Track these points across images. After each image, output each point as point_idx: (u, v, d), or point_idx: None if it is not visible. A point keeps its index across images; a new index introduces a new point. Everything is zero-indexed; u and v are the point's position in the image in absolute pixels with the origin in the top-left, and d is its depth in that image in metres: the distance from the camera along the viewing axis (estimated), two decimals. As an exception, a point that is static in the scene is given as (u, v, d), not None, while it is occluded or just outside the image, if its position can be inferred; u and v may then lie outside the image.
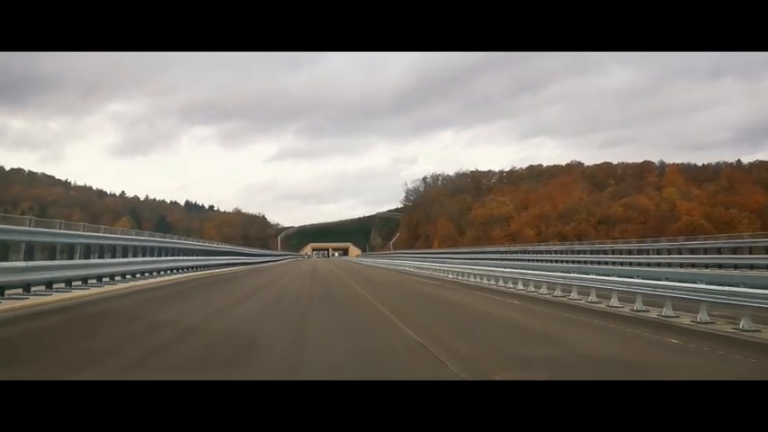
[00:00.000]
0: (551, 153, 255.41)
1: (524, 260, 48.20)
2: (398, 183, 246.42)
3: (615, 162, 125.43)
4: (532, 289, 19.71)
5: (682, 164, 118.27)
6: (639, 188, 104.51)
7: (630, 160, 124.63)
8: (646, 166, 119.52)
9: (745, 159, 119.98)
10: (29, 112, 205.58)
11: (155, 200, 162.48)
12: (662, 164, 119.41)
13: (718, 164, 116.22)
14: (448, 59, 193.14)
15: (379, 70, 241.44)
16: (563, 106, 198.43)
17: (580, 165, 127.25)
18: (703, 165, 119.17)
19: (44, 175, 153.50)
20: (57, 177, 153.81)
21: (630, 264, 34.94)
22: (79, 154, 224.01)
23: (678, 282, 12.96)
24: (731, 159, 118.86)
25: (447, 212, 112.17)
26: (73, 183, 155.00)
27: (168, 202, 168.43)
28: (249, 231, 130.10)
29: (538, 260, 47.79)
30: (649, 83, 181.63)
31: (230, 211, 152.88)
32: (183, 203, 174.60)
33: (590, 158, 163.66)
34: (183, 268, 30.73)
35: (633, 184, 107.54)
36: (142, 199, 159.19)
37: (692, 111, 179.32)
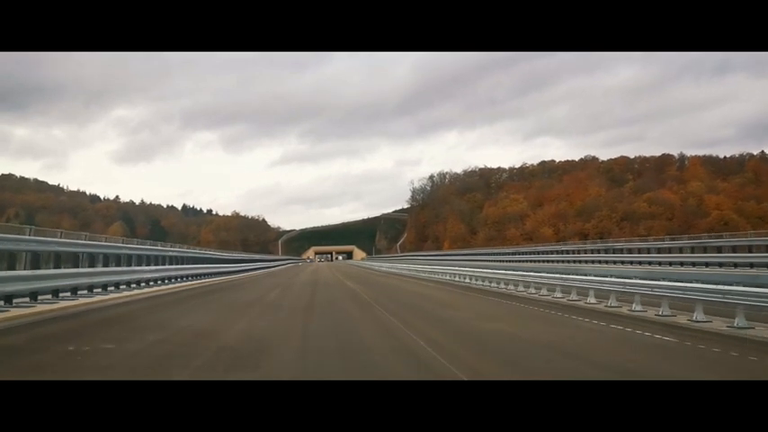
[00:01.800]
0: (557, 152, 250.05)
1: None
2: (402, 185, 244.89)
3: (632, 156, 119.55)
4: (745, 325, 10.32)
5: (704, 156, 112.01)
6: (661, 182, 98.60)
7: (648, 154, 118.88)
8: (665, 159, 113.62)
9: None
10: (32, 121, 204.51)
11: (151, 204, 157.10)
12: (682, 156, 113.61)
13: (741, 156, 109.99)
14: (452, 59, 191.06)
15: (382, 72, 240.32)
16: (568, 105, 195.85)
17: (595, 159, 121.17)
18: (725, 157, 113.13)
19: (36, 181, 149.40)
20: (50, 183, 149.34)
21: None
22: (83, 161, 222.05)
23: None
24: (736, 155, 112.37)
25: (457, 212, 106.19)
26: (66, 188, 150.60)
27: (165, 206, 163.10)
28: (248, 235, 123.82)
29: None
30: (656, 80, 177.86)
31: (229, 214, 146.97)
32: (180, 208, 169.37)
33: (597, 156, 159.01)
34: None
35: (654, 178, 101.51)
36: (137, 203, 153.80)
37: (698, 107, 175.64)
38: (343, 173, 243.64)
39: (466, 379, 6.08)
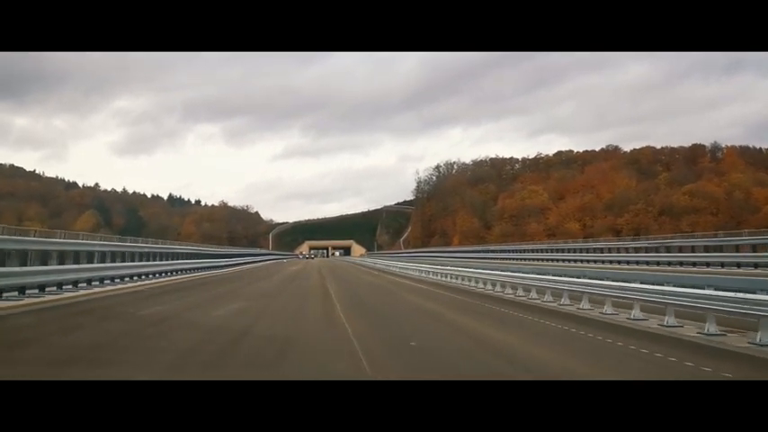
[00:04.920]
0: (562, 149, 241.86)
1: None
2: (404, 181, 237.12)
3: (658, 146, 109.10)
4: None
5: (740, 146, 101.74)
6: (697, 174, 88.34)
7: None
8: (696, 149, 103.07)
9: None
10: (32, 111, 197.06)
11: (134, 193, 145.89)
12: (715, 147, 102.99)
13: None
14: (459, 55, 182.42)
15: (387, 67, 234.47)
16: (575, 102, 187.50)
17: (617, 150, 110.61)
18: (760, 149, 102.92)
19: (11, 167, 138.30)
20: (27, 169, 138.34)
21: None
22: (83, 153, 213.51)
23: None
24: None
25: (468, 204, 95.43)
26: (42, 174, 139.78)
27: (149, 196, 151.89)
28: (236, 227, 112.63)
29: None
30: (665, 77, 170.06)
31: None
32: (167, 198, 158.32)
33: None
34: None
35: (689, 169, 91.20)
36: (120, 192, 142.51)
37: (706, 106, 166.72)
38: (345, 168, 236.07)
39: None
